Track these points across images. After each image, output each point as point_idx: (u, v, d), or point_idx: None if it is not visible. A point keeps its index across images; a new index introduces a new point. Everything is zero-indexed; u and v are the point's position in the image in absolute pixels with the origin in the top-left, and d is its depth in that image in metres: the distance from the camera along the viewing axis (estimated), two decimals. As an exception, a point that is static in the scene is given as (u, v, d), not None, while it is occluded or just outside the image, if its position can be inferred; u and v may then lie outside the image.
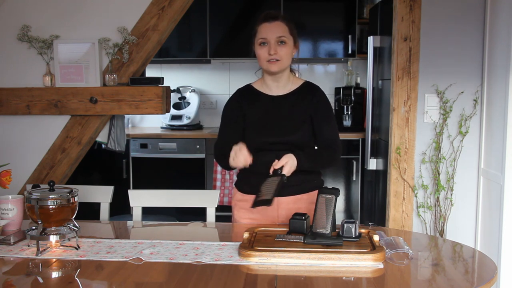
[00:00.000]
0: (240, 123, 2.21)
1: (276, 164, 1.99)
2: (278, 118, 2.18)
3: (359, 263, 1.67)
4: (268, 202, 1.90)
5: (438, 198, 3.17)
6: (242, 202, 2.25)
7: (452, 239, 2.96)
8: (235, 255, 1.76)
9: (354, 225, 1.81)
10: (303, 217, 1.88)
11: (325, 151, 2.19)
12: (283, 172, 1.98)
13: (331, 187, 1.87)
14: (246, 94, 2.25)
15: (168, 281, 1.60)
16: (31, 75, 3.02)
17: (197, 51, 4.81)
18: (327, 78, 5.02)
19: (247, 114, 2.20)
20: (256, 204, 1.93)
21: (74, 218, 1.89)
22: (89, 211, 2.44)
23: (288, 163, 2.00)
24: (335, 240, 1.76)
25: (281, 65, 2.13)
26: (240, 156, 2.02)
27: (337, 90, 4.73)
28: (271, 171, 1.99)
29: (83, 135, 3.05)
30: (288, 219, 1.91)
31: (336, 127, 2.26)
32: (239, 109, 2.22)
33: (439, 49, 3.10)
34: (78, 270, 1.68)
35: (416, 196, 3.19)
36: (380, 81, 3.74)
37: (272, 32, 2.10)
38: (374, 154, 3.88)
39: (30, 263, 1.73)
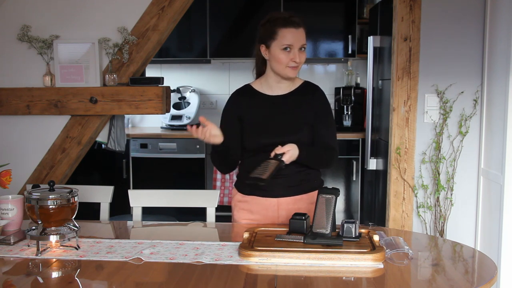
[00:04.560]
0: (237, 127, 2.20)
1: (278, 149, 2.00)
2: (278, 118, 2.17)
3: (359, 263, 1.67)
4: (261, 181, 1.90)
5: (438, 198, 3.17)
6: (242, 203, 2.24)
7: (452, 239, 2.96)
8: (235, 255, 1.75)
9: (354, 225, 1.81)
10: (303, 217, 1.87)
11: (325, 152, 2.19)
12: (283, 159, 1.99)
13: (331, 187, 1.86)
14: (244, 95, 2.24)
15: (168, 281, 1.60)
16: (31, 75, 3.03)
17: (197, 51, 4.81)
18: (327, 78, 5.02)
19: (246, 115, 2.19)
20: (250, 179, 1.94)
21: (74, 218, 1.89)
22: (89, 211, 2.44)
23: (289, 152, 2.01)
24: (335, 240, 1.76)
25: (298, 70, 2.16)
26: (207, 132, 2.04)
27: (337, 90, 4.74)
28: (272, 154, 2.01)
29: (83, 135, 3.05)
30: (288, 219, 1.91)
31: (335, 129, 2.26)
32: (236, 112, 2.22)
33: (439, 49, 3.10)
34: (78, 270, 1.68)
35: (416, 196, 3.19)
36: (380, 81, 3.74)
37: (298, 39, 2.09)
38: (374, 154, 3.88)
39: (30, 263, 1.73)
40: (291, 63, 2.10)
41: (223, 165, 2.26)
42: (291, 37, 2.08)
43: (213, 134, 2.06)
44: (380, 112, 3.76)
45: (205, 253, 1.77)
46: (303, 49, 2.12)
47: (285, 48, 2.09)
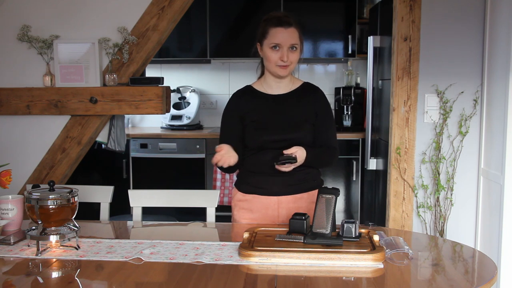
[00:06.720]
0: (239, 128, 2.21)
1: (286, 151, 2.05)
2: (279, 116, 2.19)
3: (359, 263, 1.67)
4: (294, 159, 2.01)
5: (438, 198, 3.17)
6: (242, 202, 2.25)
7: (452, 239, 2.96)
8: (235, 255, 1.76)
9: (354, 225, 1.81)
10: (303, 217, 1.88)
11: (326, 151, 2.21)
12: (295, 156, 2.05)
13: (331, 187, 1.87)
14: (245, 95, 2.26)
15: (168, 281, 1.60)
16: (31, 75, 3.03)
17: (197, 51, 4.81)
18: (327, 78, 5.02)
19: (247, 114, 2.21)
20: (282, 159, 2.02)
21: (74, 218, 1.89)
22: (89, 211, 2.44)
23: (297, 152, 2.05)
24: (335, 240, 1.76)
25: (290, 70, 2.17)
26: (226, 156, 2.07)
27: (337, 90, 4.74)
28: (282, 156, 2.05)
29: (83, 135, 3.05)
30: (288, 219, 1.91)
31: (335, 129, 2.29)
32: (237, 113, 2.23)
33: (439, 49, 3.10)
34: (78, 270, 1.68)
35: (416, 196, 3.19)
36: (380, 81, 3.74)
37: (286, 39, 2.11)
38: (374, 154, 3.88)
39: (30, 263, 1.73)
40: (279, 62, 2.13)
41: (229, 169, 2.27)
42: (280, 36, 2.11)
43: (231, 155, 2.08)
44: (380, 112, 3.76)
45: (205, 253, 1.77)
46: (294, 48, 2.14)
47: (274, 47, 2.12)
